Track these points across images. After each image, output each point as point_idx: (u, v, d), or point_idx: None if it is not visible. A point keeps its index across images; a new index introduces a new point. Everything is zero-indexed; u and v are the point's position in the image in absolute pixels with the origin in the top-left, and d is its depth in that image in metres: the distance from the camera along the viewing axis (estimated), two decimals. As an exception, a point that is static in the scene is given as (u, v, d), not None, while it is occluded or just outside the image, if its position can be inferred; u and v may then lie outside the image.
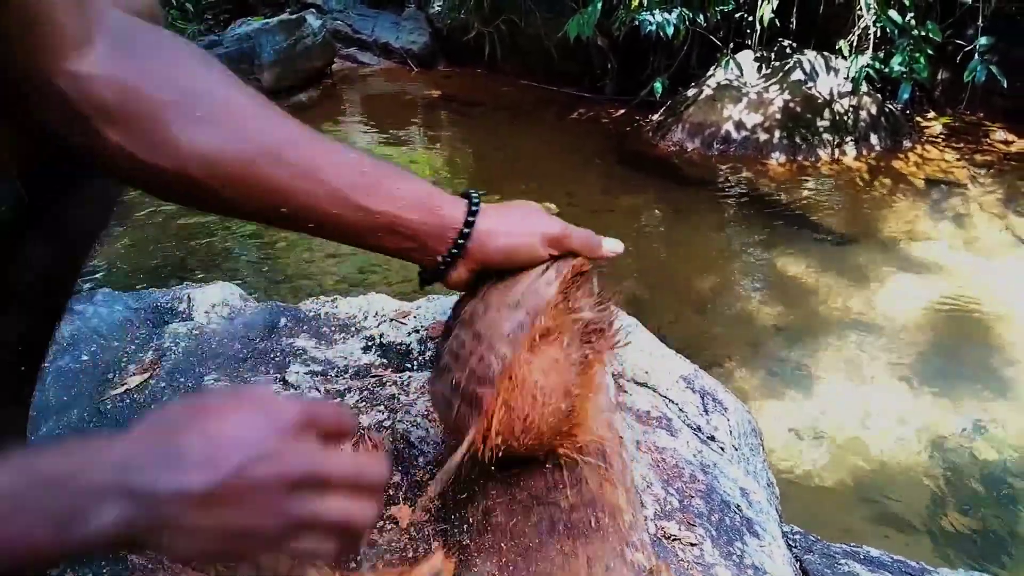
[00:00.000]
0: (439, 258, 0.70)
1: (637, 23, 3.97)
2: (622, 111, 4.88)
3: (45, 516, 0.46)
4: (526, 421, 0.69)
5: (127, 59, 0.58)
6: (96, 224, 0.73)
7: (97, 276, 2.87)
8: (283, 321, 1.38)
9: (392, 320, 1.27)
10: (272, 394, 0.59)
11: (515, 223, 0.72)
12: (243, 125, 0.63)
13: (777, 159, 4.08)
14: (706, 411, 1.06)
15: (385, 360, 1.18)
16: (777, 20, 4.24)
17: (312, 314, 1.40)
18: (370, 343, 1.24)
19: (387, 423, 0.94)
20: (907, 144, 4.24)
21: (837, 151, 4.11)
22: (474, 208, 0.70)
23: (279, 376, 1.08)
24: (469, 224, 0.69)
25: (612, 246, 0.79)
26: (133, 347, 1.34)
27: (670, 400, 1.04)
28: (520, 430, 0.69)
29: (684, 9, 3.97)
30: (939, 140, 4.36)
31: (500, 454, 0.69)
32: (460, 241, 0.69)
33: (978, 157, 4.12)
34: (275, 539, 0.50)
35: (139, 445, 0.49)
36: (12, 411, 0.74)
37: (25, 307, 0.66)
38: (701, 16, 4.15)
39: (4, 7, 0.51)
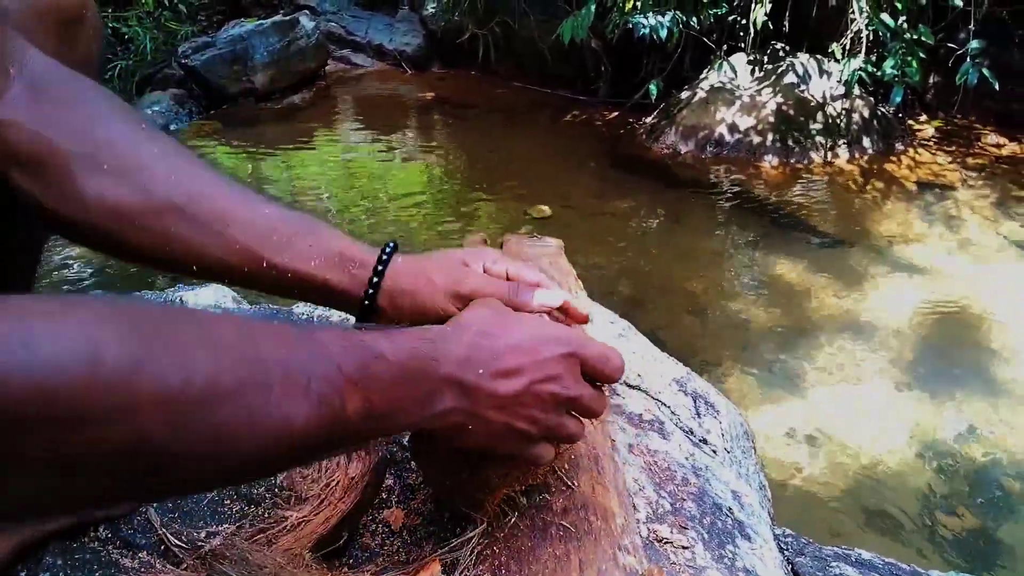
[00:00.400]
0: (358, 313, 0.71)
1: (631, 26, 3.98)
2: (616, 114, 4.89)
3: (417, 391, 0.56)
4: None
5: (41, 106, 0.58)
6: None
7: (88, 279, 2.86)
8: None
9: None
10: (553, 323, 0.69)
11: (424, 281, 0.70)
12: (152, 177, 0.62)
13: (770, 162, 4.09)
14: (698, 414, 1.06)
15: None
16: (770, 23, 4.26)
17: (305, 317, 1.40)
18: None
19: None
20: (899, 147, 4.26)
21: (830, 154, 4.12)
22: (379, 268, 0.69)
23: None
24: (374, 285, 0.69)
25: (543, 299, 0.72)
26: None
27: (662, 403, 1.04)
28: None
29: (677, 12, 3.97)
30: (931, 143, 4.38)
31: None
32: (367, 303, 0.69)
33: (970, 160, 4.14)
34: (529, 438, 0.62)
35: (473, 346, 0.59)
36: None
37: None
38: (694, 19, 4.16)
39: None
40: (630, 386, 1.04)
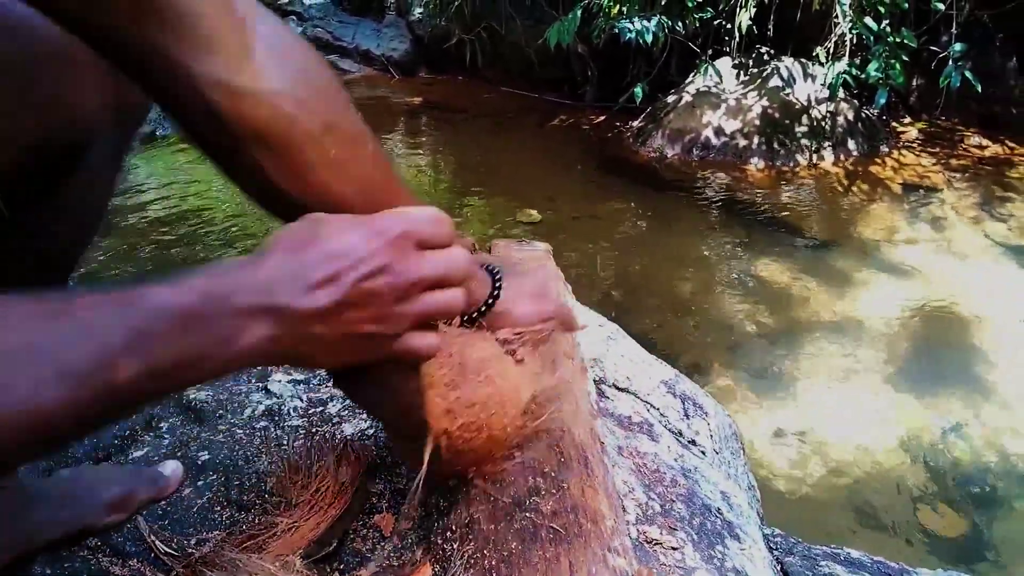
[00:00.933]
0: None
1: (617, 31, 4.00)
2: (603, 117, 4.91)
3: (211, 333, 0.51)
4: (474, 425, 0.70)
5: (283, 79, 0.58)
6: (77, 238, 0.73)
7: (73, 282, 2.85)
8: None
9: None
10: (381, 214, 0.60)
11: (529, 295, 0.78)
12: (359, 160, 0.66)
13: (756, 164, 4.11)
14: (687, 415, 1.07)
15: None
16: (755, 27, 4.29)
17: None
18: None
19: (370, 432, 0.94)
20: (884, 149, 4.29)
21: (815, 156, 4.15)
22: (498, 280, 0.75)
23: (261, 385, 1.07)
24: (495, 294, 0.75)
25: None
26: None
27: (651, 405, 1.05)
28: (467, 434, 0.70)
29: (663, 17, 4.00)
30: (915, 145, 4.42)
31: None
32: (485, 309, 0.74)
33: (953, 162, 4.18)
34: (389, 336, 0.59)
35: (276, 267, 0.55)
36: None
37: None
38: (680, 24, 4.18)
39: (153, 14, 0.51)
40: (619, 388, 1.05)
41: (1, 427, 0.43)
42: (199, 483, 0.87)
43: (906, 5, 3.89)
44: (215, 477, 0.88)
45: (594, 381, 1.02)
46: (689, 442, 1.02)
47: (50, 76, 0.61)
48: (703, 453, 1.02)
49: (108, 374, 0.47)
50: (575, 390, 0.90)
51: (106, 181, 0.74)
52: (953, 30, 3.98)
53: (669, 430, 1.01)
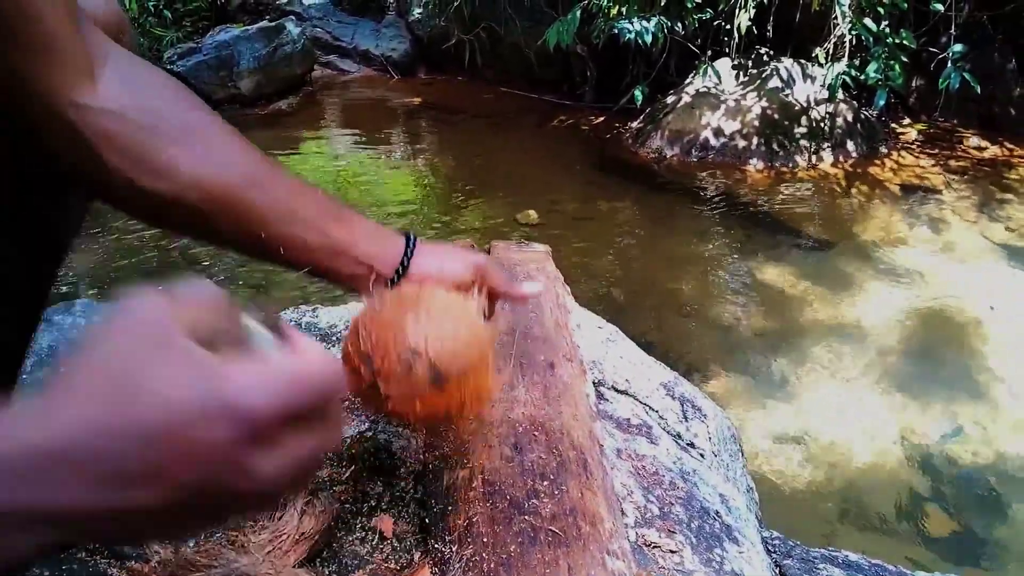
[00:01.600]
0: (385, 281, 0.76)
1: (616, 31, 4.00)
2: (602, 118, 4.91)
3: None
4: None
5: (129, 93, 0.63)
6: (71, 230, 0.73)
7: (73, 285, 2.84)
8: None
9: (373, 329, 1.27)
10: (227, 360, 0.38)
11: (447, 250, 0.81)
12: (230, 154, 0.69)
13: (755, 165, 4.12)
14: (686, 418, 1.07)
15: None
16: (754, 28, 4.29)
17: (292, 324, 1.38)
18: (351, 353, 1.23)
19: (368, 433, 0.94)
20: (883, 150, 4.29)
21: (814, 157, 4.15)
22: (413, 238, 0.78)
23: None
24: (410, 252, 0.77)
25: (531, 288, 0.85)
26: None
27: (650, 407, 1.05)
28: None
29: (663, 17, 4.00)
30: (914, 146, 4.42)
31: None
32: (405, 264, 0.76)
33: (952, 163, 4.19)
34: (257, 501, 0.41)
35: (69, 439, 0.36)
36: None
37: None
38: (679, 24, 4.18)
39: (12, 39, 0.55)
40: (618, 391, 1.05)
41: None
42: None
43: (905, 6, 3.90)
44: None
45: (593, 383, 1.02)
46: (688, 444, 1.02)
47: None
48: (702, 456, 1.02)
49: None
50: (574, 392, 0.90)
51: None
52: (952, 31, 3.99)
53: (668, 432, 1.01)
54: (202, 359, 0.37)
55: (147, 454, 0.36)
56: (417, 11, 5.93)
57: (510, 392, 0.87)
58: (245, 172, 0.68)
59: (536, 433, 0.81)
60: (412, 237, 0.79)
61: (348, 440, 0.91)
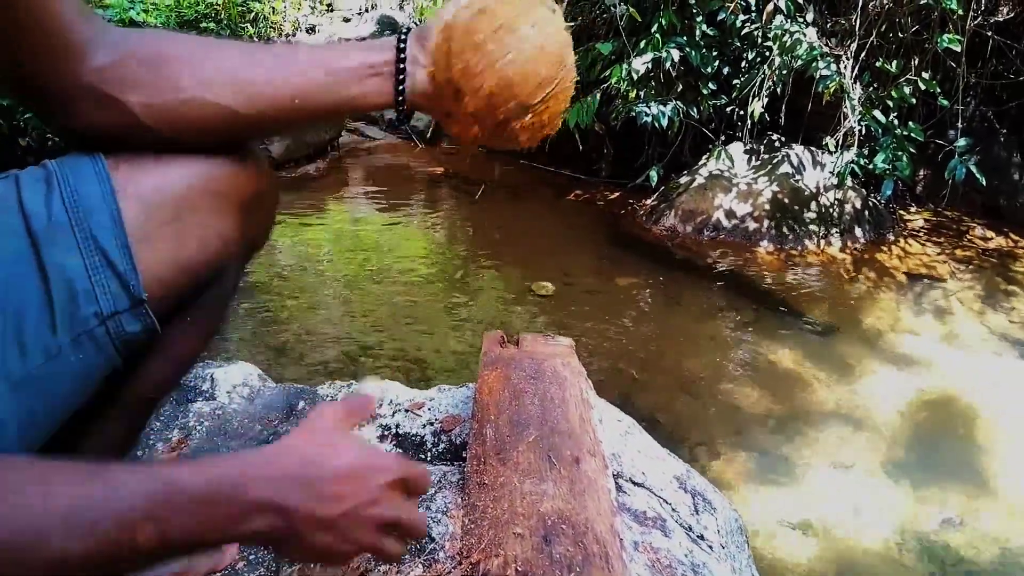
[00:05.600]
0: (400, 66, 0.80)
1: (634, 114, 4.17)
2: (617, 194, 5.06)
3: (219, 515, 0.61)
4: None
5: (132, 45, 0.74)
6: (198, 347, 0.85)
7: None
8: (301, 404, 1.47)
9: (407, 411, 1.37)
10: (378, 448, 0.80)
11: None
12: (219, 51, 0.78)
13: (765, 247, 4.23)
14: (697, 511, 1.15)
15: (400, 450, 1.26)
16: (767, 115, 4.46)
17: (329, 398, 1.48)
18: (386, 432, 1.32)
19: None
20: (890, 237, 4.41)
21: (823, 242, 4.27)
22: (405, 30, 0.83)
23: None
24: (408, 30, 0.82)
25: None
26: (159, 424, 1.42)
27: (664, 500, 1.13)
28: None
29: (679, 103, 4.17)
30: (921, 234, 4.54)
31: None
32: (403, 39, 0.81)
33: (958, 252, 4.29)
34: (352, 555, 0.70)
35: (286, 469, 0.66)
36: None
37: (126, 413, 0.79)
38: (695, 110, 4.36)
39: (28, 32, 0.67)
40: (635, 483, 1.13)
41: (32, 571, 0.53)
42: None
43: (913, 100, 4.06)
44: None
45: (613, 476, 1.10)
46: (698, 537, 1.10)
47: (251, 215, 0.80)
48: (711, 548, 1.10)
49: (128, 535, 0.57)
50: (598, 487, 0.99)
51: (227, 296, 0.86)
52: (959, 124, 4.14)
53: (680, 525, 1.09)
54: (362, 440, 0.78)
55: (337, 483, 0.67)
56: (442, 83, 6.15)
57: (539, 485, 0.96)
58: (239, 54, 0.78)
59: (563, 526, 0.90)
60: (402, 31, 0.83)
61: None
